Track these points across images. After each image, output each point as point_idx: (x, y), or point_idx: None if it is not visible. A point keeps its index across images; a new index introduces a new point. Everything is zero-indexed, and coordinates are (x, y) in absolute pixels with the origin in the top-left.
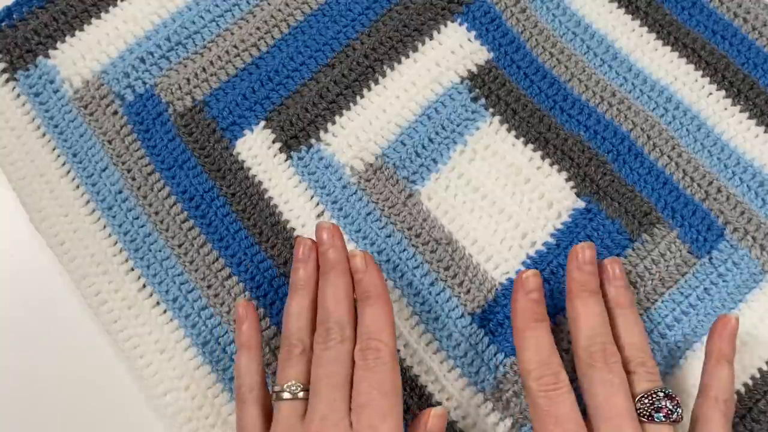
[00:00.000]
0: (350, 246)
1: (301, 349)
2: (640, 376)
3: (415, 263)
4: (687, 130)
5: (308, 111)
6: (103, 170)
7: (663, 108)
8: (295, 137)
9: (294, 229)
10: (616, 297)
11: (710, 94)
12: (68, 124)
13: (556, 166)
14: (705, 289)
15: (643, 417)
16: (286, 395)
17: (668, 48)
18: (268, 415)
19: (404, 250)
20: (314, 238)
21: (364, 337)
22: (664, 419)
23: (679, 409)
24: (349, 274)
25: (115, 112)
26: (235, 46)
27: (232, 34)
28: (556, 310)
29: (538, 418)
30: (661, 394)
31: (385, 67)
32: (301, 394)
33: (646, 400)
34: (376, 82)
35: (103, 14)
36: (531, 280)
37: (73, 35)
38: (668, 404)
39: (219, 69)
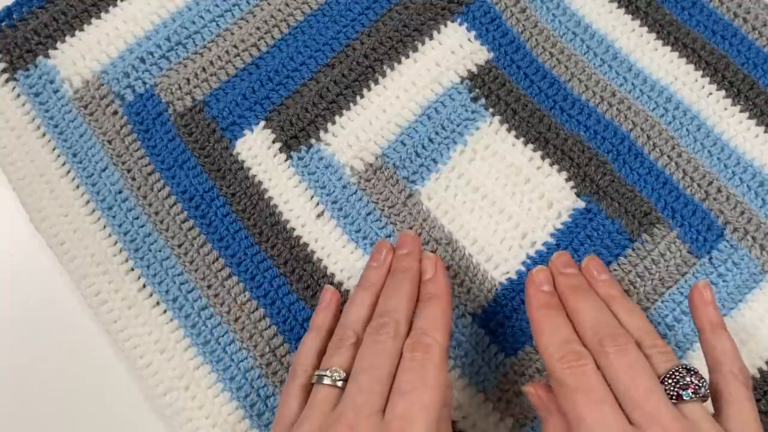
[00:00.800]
0: (350, 246)
1: (354, 341)
2: (655, 358)
3: None
4: (687, 130)
5: (308, 111)
6: (103, 170)
7: (663, 108)
8: (295, 137)
9: (294, 229)
10: (606, 292)
11: (710, 94)
12: (68, 124)
13: (556, 166)
14: None
15: (672, 398)
16: (326, 380)
17: (668, 48)
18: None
19: None
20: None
21: (417, 332)
22: (693, 396)
23: (705, 383)
24: (417, 283)
25: (115, 112)
26: (235, 46)
27: (232, 34)
28: None
29: (566, 397)
30: (684, 371)
31: (385, 67)
32: (340, 384)
33: (670, 381)
34: (376, 82)
35: (103, 14)
36: (540, 275)
37: (73, 35)
38: (694, 380)
39: (219, 69)
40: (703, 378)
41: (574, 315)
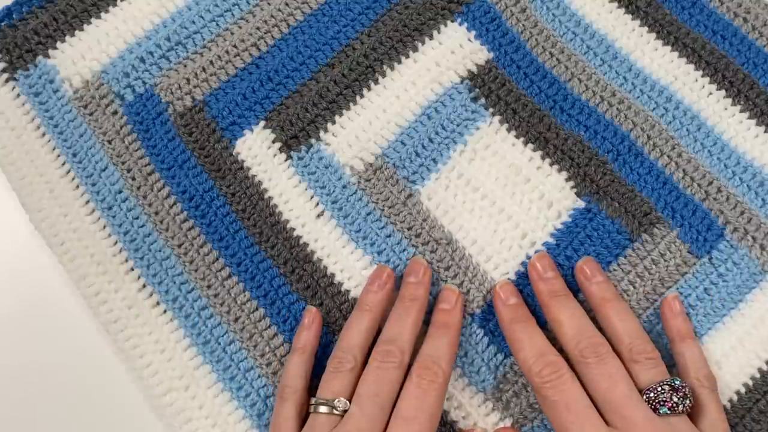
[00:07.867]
0: (350, 247)
1: (351, 366)
2: (642, 366)
3: None
4: (687, 130)
5: (308, 111)
6: (103, 170)
7: (663, 108)
8: (295, 137)
9: (294, 229)
10: (600, 293)
11: (710, 94)
12: (68, 124)
13: (556, 166)
14: (705, 289)
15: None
16: (322, 409)
17: (668, 48)
18: (301, 416)
19: (404, 250)
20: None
21: (426, 359)
22: (669, 412)
23: (686, 401)
24: (423, 313)
25: (115, 112)
26: (235, 46)
27: (232, 34)
28: None
29: (550, 410)
30: (667, 387)
31: (385, 67)
32: (337, 411)
33: (651, 394)
34: (376, 82)
35: (103, 14)
36: (505, 289)
37: (73, 35)
38: (674, 398)
39: (219, 69)
40: (685, 395)
41: (556, 325)
